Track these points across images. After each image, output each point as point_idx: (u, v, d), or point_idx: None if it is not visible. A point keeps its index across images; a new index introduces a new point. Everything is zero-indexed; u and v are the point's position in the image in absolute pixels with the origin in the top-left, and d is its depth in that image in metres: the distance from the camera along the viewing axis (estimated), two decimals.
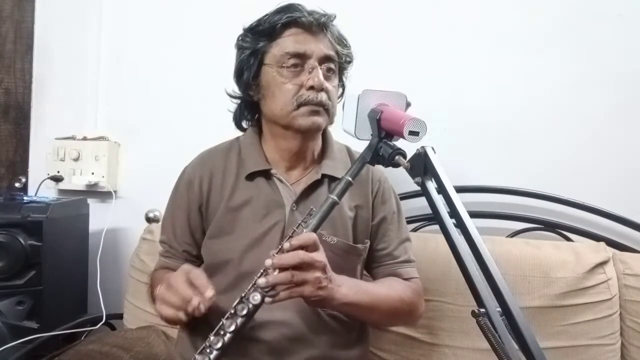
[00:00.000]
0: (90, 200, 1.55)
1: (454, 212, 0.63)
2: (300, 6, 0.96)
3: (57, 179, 1.58)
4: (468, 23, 1.45)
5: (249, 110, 1.05)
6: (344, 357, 0.96)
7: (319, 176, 0.98)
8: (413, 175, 0.68)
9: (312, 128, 0.94)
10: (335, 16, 0.98)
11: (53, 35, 1.62)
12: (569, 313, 1.22)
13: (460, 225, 0.62)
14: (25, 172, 1.63)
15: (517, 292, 1.21)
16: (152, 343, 1.17)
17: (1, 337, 1.21)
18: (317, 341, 0.93)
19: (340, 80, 1.03)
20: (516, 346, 0.51)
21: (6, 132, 1.64)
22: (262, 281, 0.78)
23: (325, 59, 0.95)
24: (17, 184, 1.53)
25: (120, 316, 1.40)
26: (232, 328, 0.78)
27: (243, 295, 0.80)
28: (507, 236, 1.40)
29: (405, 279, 1.01)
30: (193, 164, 1.06)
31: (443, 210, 0.64)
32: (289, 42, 0.94)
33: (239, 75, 1.00)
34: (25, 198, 1.43)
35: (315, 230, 0.81)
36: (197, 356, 0.78)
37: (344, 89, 1.05)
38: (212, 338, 0.78)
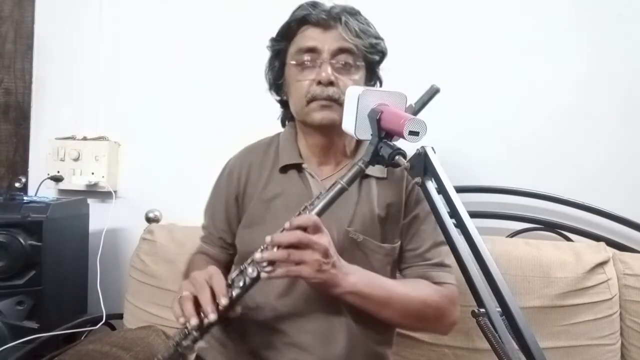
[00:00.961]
0: (90, 200, 1.55)
1: (454, 212, 0.63)
2: (315, 3, 0.97)
3: (57, 179, 1.58)
4: (468, 23, 1.45)
5: (284, 109, 1.08)
6: (365, 355, 0.95)
7: None
8: (413, 175, 0.68)
9: (323, 123, 0.94)
10: (352, 8, 0.98)
11: (53, 35, 1.62)
12: (569, 313, 1.22)
13: (460, 225, 0.61)
14: (25, 172, 1.63)
15: (517, 292, 1.21)
16: (152, 343, 1.17)
17: (1, 337, 1.21)
18: (339, 339, 0.92)
19: (373, 72, 1.02)
20: (516, 346, 0.51)
21: (6, 132, 1.64)
22: (257, 256, 0.79)
23: (338, 52, 0.95)
24: (17, 184, 1.53)
25: (120, 316, 1.40)
26: (225, 302, 0.77)
27: (242, 268, 0.81)
28: (507, 236, 1.40)
29: (436, 283, 0.96)
30: (236, 156, 1.09)
31: (443, 210, 0.64)
32: (302, 38, 0.96)
33: (268, 77, 1.05)
34: (25, 198, 1.43)
35: (319, 214, 0.82)
36: (192, 320, 0.76)
37: (380, 83, 1.05)
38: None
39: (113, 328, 1.42)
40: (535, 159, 1.44)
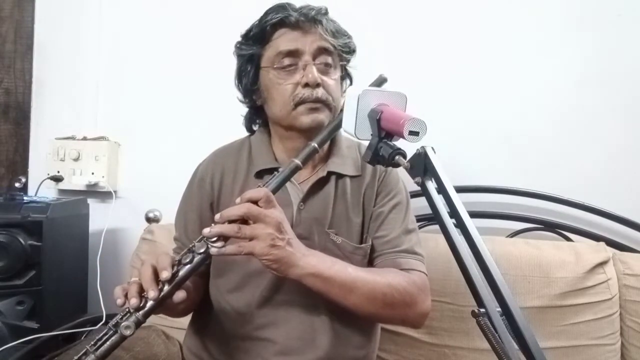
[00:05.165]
0: (90, 200, 1.55)
1: (454, 212, 0.63)
2: (289, 5, 0.96)
3: (57, 179, 1.58)
4: (468, 23, 1.45)
5: (256, 114, 1.06)
6: (349, 358, 0.95)
7: (324, 174, 0.97)
8: (413, 175, 0.68)
9: (312, 126, 0.93)
10: (326, 9, 0.97)
11: (53, 35, 1.62)
12: (569, 313, 1.22)
13: (460, 225, 0.61)
14: (25, 172, 1.63)
15: (517, 292, 1.21)
16: (152, 343, 1.17)
17: (1, 337, 1.21)
18: (322, 341, 0.92)
19: (344, 71, 1.02)
20: (516, 346, 0.51)
21: (6, 132, 1.64)
22: (206, 231, 0.78)
23: (319, 53, 0.94)
24: (17, 184, 1.53)
25: None
26: (166, 275, 0.76)
27: (191, 246, 0.80)
28: (507, 236, 1.40)
29: (405, 270, 0.94)
30: (206, 161, 1.06)
31: (443, 210, 0.64)
32: (281, 42, 0.94)
33: (239, 82, 1.02)
34: (25, 198, 1.43)
35: (274, 191, 0.83)
36: (132, 300, 0.75)
37: (351, 80, 1.04)
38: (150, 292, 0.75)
39: None
40: (535, 159, 1.44)
